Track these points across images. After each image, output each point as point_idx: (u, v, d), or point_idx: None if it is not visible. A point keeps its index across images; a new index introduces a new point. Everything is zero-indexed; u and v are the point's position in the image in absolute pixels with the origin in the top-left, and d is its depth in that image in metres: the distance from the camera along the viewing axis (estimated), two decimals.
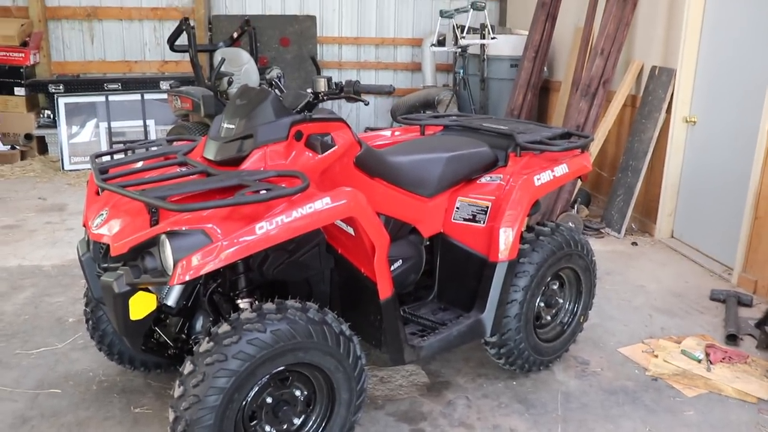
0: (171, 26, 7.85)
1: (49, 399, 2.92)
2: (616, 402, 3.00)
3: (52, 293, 4.03)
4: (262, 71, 7.17)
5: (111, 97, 7.45)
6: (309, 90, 2.55)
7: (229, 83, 6.50)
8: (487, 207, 2.91)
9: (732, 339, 3.59)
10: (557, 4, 6.39)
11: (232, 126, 2.42)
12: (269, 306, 2.17)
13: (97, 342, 2.95)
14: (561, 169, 3.03)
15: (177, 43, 7.01)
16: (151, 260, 2.09)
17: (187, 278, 1.98)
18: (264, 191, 2.08)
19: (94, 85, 7.53)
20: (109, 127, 7.44)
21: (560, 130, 3.38)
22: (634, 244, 5.20)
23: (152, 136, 7.59)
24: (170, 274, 2.01)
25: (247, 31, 7.33)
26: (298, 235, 2.17)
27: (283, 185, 2.15)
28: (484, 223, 2.90)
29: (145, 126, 7.54)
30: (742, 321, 3.79)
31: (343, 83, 2.54)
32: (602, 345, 3.52)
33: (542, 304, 3.12)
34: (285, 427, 2.30)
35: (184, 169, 2.42)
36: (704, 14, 4.91)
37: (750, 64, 4.44)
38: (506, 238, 2.80)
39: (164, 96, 7.58)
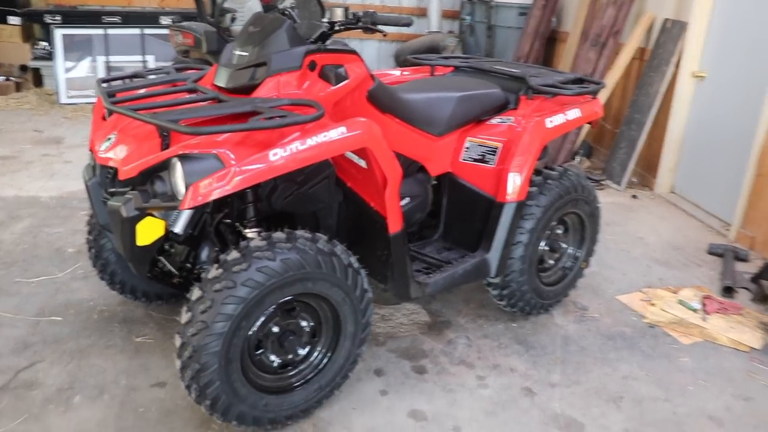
0: None
1: (50, 326, 2.93)
2: (613, 347, 3.04)
3: (50, 224, 4.01)
4: (266, 9, 7.02)
5: (110, 31, 7.30)
6: (325, 20, 2.49)
7: (232, 20, 6.37)
8: (497, 148, 2.89)
9: (728, 291, 3.63)
10: None
11: (245, 53, 2.38)
12: (279, 235, 2.16)
13: (99, 271, 2.95)
14: (573, 113, 3.00)
15: None
16: (161, 184, 2.06)
17: (198, 202, 1.96)
18: (278, 118, 2.05)
19: (93, 18, 7.37)
20: (108, 62, 7.31)
21: (572, 75, 3.33)
22: (634, 197, 5.20)
23: None
24: (180, 198, 1.99)
25: None
26: (312, 163, 2.14)
27: (298, 113, 2.11)
28: (493, 163, 2.89)
29: (144, 61, 7.41)
30: (738, 275, 3.82)
31: (361, 14, 2.48)
32: (601, 292, 3.55)
33: (546, 248, 3.13)
34: (290, 357, 2.32)
35: (194, 95, 2.38)
36: None
37: (765, 21, 4.37)
38: (516, 179, 2.79)
39: (164, 31, 7.45)
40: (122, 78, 2.84)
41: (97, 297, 3.18)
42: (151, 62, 7.49)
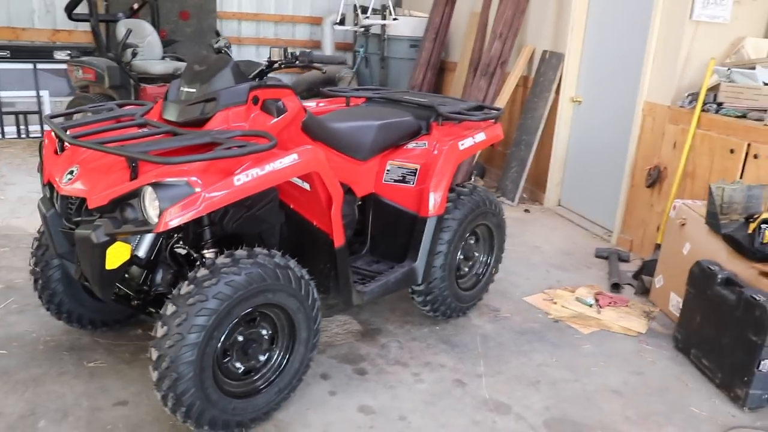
0: None
1: None
2: (526, 340, 3.45)
3: None
4: (165, 44, 7.14)
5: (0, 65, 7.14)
6: (265, 60, 2.77)
7: (134, 55, 6.45)
8: (416, 169, 3.25)
9: (615, 287, 4.17)
10: None
11: (193, 90, 2.60)
12: (241, 252, 2.40)
13: (45, 302, 3.03)
14: (480, 136, 3.42)
15: (75, 11, 6.86)
16: (132, 211, 2.25)
17: (172, 225, 2.17)
18: (238, 147, 2.30)
19: None
20: None
21: (474, 102, 3.77)
22: (527, 211, 5.75)
23: (47, 108, 7.38)
24: (153, 222, 2.19)
25: (149, 3, 7.27)
26: (269, 187, 2.40)
27: (254, 143, 2.37)
28: (413, 183, 3.24)
29: (38, 96, 7.29)
30: (622, 273, 4.38)
31: (297, 53, 2.78)
32: (509, 295, 3.98)
33: (461, 257, 3.51)
34: (252, 363, 2.55)
35: (146, 129, 2.57)
36: (589, 4, 5.48)
37: (628, 50, 5.04)
38: (436, 196, 3.16)
39: (58, 66, 7.37)
40: (68, 114, 2.97)
41: (39, 328, 3.24)
42: (46, 97, 7.39)
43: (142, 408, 2.67)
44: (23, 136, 7.31)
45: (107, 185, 2.30)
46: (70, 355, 3.04)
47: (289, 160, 2.41)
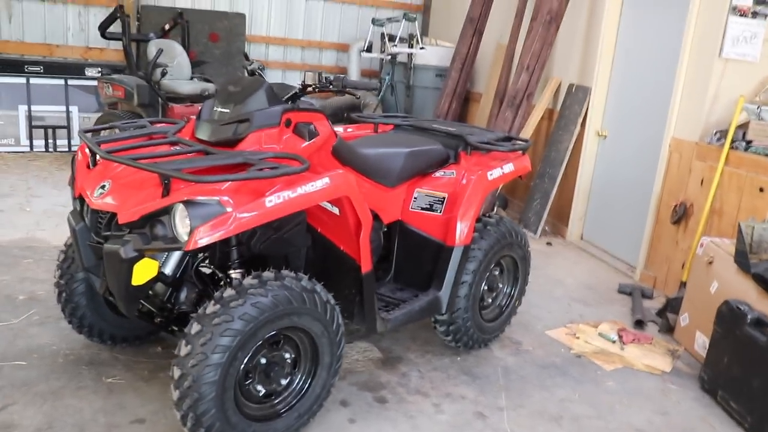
0: (96, 12, 7.77)
1: (15, 371, 2.97)
2: (548, 375, 3.40)
3: None
4: (194, 65, 7.24)
5: (32, 80, 7.27)
6: (299, 83, 2.79)
7: (163, 74, 6.54)
8: (444, 198, 3.24)
9: (639, 324, 4.11)
10: (484, 20, 6.86)
11: (227, 110, 2.62)
12: (268, 274, 2.39)
13: (68, 315, 3.03)
14: (508, 167, 3.41)
15: (109, 30, 6.98)
16: (162, 228, 2.25)
17: (201, 244, 2.17)
18: (270, 169, 2.30)
19: (14, 66, 7.30)
20: (29, 110, 7.25)
21: (501, 134, 3.77)
22: (549, 244, 5.71)
23: (75, 123, 7.47)
24: (182, 240, 2.19)
25: (180, 24, 7.38)
26: (299, 209, 2.40)
27: (286, 165, 2.37)
28: (440, 212, 3.23)
29: (68, 112, 7.40)
30: (645, 310, 4.31)
31: (332, 77, 2.79)
32: (531, 328, 3.93)
33: (486, 287, 3.48)
34: (273, 386, 2.52)
35: (178, 147, 2.59)
36: (617, 39, 5.49)
37: (655, 86, 5.02)
38: (463, 226, 3.14)
39: (88, 83, 7.48)
40: (100, 129, 3.00)
41: (59, 341, 3.24)
42: (75, 112, 7.50)
43: (160, 427, 2.65)
44: (51, 150, 7.40)
45: (138, 201, 2.31)
46: (89, 369, 3.03)
47: (321, 183, 2.41)
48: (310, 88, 2.80)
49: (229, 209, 2.21)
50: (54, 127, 7.42)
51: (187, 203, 2.19)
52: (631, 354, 3.71)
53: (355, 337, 3.47)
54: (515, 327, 3.87)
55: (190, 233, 2.16)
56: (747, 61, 4.43)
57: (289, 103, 2.76)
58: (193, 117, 2.73)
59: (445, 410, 2.98)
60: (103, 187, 2.46)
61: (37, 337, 3.28)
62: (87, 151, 2.70)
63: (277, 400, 2.55)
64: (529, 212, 5.93)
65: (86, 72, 7.54)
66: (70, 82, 7.48)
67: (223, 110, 2.64)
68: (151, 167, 2.25)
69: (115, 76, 6.66)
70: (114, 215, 2.40)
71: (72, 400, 2.79)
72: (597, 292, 4.67)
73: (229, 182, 2.24)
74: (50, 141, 7.41)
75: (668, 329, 4.05)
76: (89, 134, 2.74)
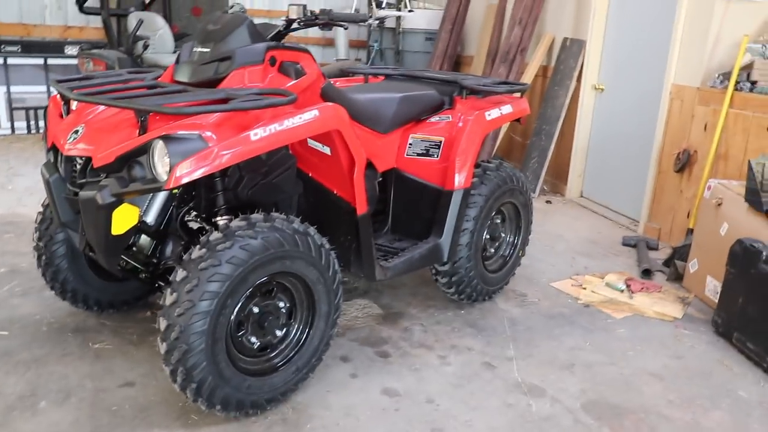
0: None
1: None
2: (556, 324, 3.25)
3: None
4: (176, 38, 7.03)
5: (10, 60, 7.04)
6: (283, 18, 2.61)
7: (145, 47, 6.36)
8: (440, 142, 3.08)
9: (647, 273, 3.97)
10: None
11: (207, 49, 2.45)
12: (257, 216, 2.23)
13: (49, 280, 2.87)
14: (506, 108, 3.25)
15: (87, 5, 6.77)
16: (140, 169, 2.08)
17: (182, 182, 2.00)
18: (254, 101, 2.13)
19: None
20: (8, 92, 7.04)
21: (497, 79, 3.60)
22: (548, 202, 5.56)
23: None
24: (162, 179, 2.03)
25: None
26: (287, 143, 2.23)
27: (273, 98, 2.20)
28: (437, 156, 3.07)
29: (48, 92, 7.18)
30: (652, 260, 4.17)
31: (317, 11, 2.62)
32: (535, 281, 3.78)
33: (488, 236, 3.33)
34: (268, 338, 2.37)
35: (158, 90, 2.41)
36: None
37: (653, 33, 4.85)
38: (462, 168, 2.98)
39: (68, 61, 7.26)
40: (76, 79, 2.81)
41: (43, 311, 3.08)
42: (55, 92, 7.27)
43: (150, 389, 2.50)
44: (33, 131, 7.20)
45: (114, 142, 2.14)
46: (75, 336, 2.87)
47: (309, 115, 2.24)
48: (295, 24, 2.63)
49: (211, 144, 2.04)
50: (35, 108, 7.20)
51: (166, 139, 2.02)
52: (641, 302, 3.56)
53: (354, 294, 3.35)
54: (519, 280, 3.72)
55: (170, 171, 1.99)
56: (750, 0, 4.26)
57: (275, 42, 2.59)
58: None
59: (451, 362, 2.83)
60: (76, 132, 2.29)
61: (20, 307, 3.12)
62: (59, 99, 2.53)
63: (273, 354, 2.39)
64: (526, 171, 5.77)
65: (66, 50, 7.32)
66: (50, 61, 7.26)
67: (203, 50, 2.47)
68: (127, 103, 2.08)
69: (95, 50, 6.44)
70: (89, 161, 2.23)
71: (57, 367, 2.63)
72: (600, 245, 4.52)
73: (212, 116, 2.08)
74: (32, 122, 7.20)
75: (677, 277, 3.91)
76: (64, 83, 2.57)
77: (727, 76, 4.19)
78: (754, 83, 4.05)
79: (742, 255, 3.12)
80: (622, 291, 3.69)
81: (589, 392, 2.67)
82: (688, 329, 3.29)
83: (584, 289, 3.70)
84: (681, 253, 3.99)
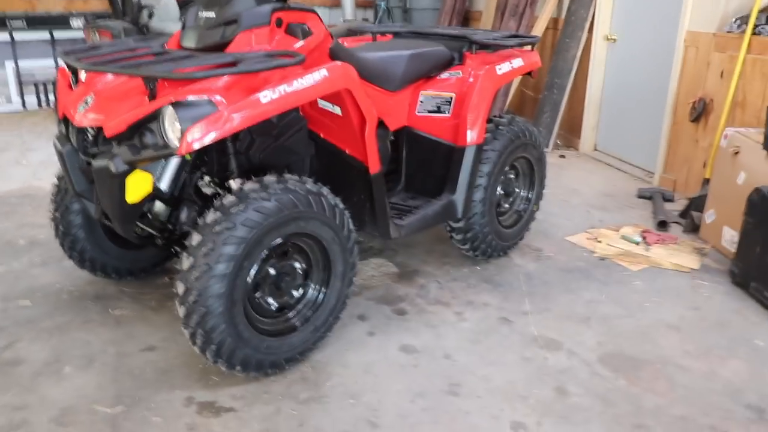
0: None
1: (19, 310, 2.86)
2: (573, 278, 3.25)
3: None
4: (180, 6, 6.96)
5: (16, 35, 7.02)
6: None
7: (150, 16, 6.30)
8: (451, 98, 3.04)
9: (663, 225, 3.94)
10: None
11: (212, 13, 2.43)
12: (270, 178, 2.23)
13: (67, 249, 2.90)
14: (517, 62, 3.20)
15: None
16: (151, 136, 2.08)
17: (194, 147, 2.00)
18: (263, 62, 2.11)
19: None
20: (17, 67, 7.04)
21: (508, 33, 3.54)
22: (562, 156, 5.51)
23: None
24: (174, 145, 2.03)
25: None
26: (298, 105, 2.22)
27: (282, 59, 2.18)
28: (449, 113, 3.04)
29: (56, 65, 7.16)
30: (668, 212, 4.14)
31: None
32: (551, 235, 3.77)
33: (502, 192, 3.31)
34: (285, 299, 2.39)
35: (166, 56, 2.40)
36: None
37: None
38: (475, 123, 2.95)
39: (75, 34, 7.24)
40: (83, 50, 2.80)
41: (63, 280, 3.12)
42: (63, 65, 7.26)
43: (171, 353, 2.54)
44: (44, 106, 7.21)
45: (124, 111, 2.14)
46: (95, 304, 2.91)
47: (319, 75, 2.22)
48: None
49: (220, 108, 2.03)
50: (45, 83, 7.21)
51: (176, 105, 2.01)
52: (657, 254, 3.55)
53: (369, 254, 3.37)
54: (534, 235, 3.71)
55: (181, 136, 1.99)
56: None
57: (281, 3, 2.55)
58: None
59: (468, 318, 2.85)
60: (86, 102, 2.29)
61: (40, 277, 3.16)
62: (67, 70, 2.53)
63: (290, 314, 2.42)
64: (539, 126, 5.70)
65: (71, 22, 7.28)
66: (56, 34, 7.23)
67: (208, 15, 2.45)
68: (135, 70, 2.07)
69: (100, 22, 6.40)
70: (100, 130, 2.24)
71: (79, 334, 2.68)
72: (615, 198, 4.49)
73: (221, 80, 2.06)
74: (42, 97, 7.21)
75: (693, 228, 3.88)
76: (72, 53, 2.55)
77: (744, 19, 4.09)
78: None
79: (761, 203, 3.09)
80: (638, 243, 3.67)
81: (605, 344, 2.68)
82: (704, 280, 3.28)
83: (600, 242, 3.69)
84: (697, 203, 3.95)
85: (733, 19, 4.15)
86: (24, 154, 5.37)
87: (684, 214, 4.07)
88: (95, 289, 3.04)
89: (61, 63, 2.46)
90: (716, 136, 4.08)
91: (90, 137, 2.31)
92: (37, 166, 4.99)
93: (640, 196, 4.51)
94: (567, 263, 3.42)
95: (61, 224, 2.85)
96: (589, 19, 5.41)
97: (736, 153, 3.51)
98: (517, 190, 3.44)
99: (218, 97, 2.05)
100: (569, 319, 2.87)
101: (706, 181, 4.07)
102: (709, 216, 3.74)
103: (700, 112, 4.37)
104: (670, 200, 4.44)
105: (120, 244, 2.95)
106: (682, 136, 4.60)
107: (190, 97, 2.02)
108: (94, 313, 2.84)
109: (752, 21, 3.97)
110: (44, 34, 7.18)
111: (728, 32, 4.16)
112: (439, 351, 2.59)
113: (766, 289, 3.02)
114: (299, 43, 2.48)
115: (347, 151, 2.58)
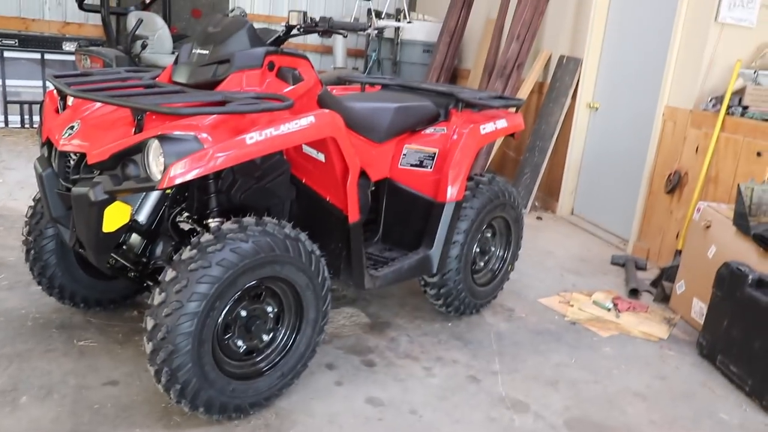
0: None
1: None
2: (542, 340, 3.26)
3: None
4: (175, 39, 7.04)
5: (6, 54, 7.02)
6: (282, 24, 2.63)
7: (143, 47, 6.37)
8: (435, 153, 3.09)
9: (634, 293, 3.99)
10: None
11: (206, 51, 2.46)
12: (249, 219, 2.23)
13: (37, 275, 2.85)
14: (501, 123, 3.27)
15: (86, 2, 6.77)
16: (134, 168, 2.08)
17: (176, 182, 2.00)
18: (252, 104, 2.14)
19: None
20: (3, 85, 7.02)
21: (494, 93, 3.62)
22: (539, 218, 5.58)
23: None
24: (156, 179, 2.03)
25: None
26: (283, 148, 2.24)
27: (270, 102, 2.21)
28: (431, 168, 3.08)
29: (44, 86, 7.16)
30: (639, 280, 4.19)
31: (317, 18, 2.63)
32: (523, 296, 3.80)
33: (478, 250, 3.34)
34: (255, 342, 2.36)
35: (156, 89, 2.42)
36: (609, 8, 5.35)
37: (648, 54, 4.90)
38: (455, 180, 2.99)
39: (66, 57, 7.25)
40: (74, 75, 2.81)
41: (28, 305, 3.06)
42: (51, 87, 7.26)
43: (134, 389, 2.49)
44: (27, 126, 7.17)
45: (109, 140, 2.14)
46: (60, 333, 2.86)
47: (306, 121, 2.25)
48: (295, 30, 2.64)
49: (206, 146, 2.04)
50: (30, 103, 7.18)
51: (162, 139, 2.02)
52: (627, 321, 3.58)
53: (342, 303, 3.35)
54: (507, 295, 3.73)
55: (164, 170, 1.99)
56: (743, 26, 4.31)
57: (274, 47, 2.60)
58: None
59: (436, 374, 2.83)
60: (71, 128, 2.29)
61: (5, 301, 3.10)
62: (56, 94, 2.54)
63: (259, 358, 2.39)
64: (518, 186, 5.79)
65: (64, 46, 7.30)
66: (47, 56, 7.24)
67: (202, 52, 2.48)
68: (124, 101, 2.08)
69: (93, 48, 6.45)
70: (83, 157, 2.23)
71: (40, 363, 2.62)
72: (589, 263, 4.55)
73: (209, 118, 2.08)
74: (26, 117, 7.17)
75: (663, 298, 3.93)
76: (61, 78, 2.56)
77: (719, 99, 4.24)
78: (745, 108, 4.10)
79: (729, 278, 3.14)
80: (609, 309, 3.70)
81: (572, 409, 2.68)
82: (672, 350, 3.31)
83: (572, 306, 3.72)
84: (669, 274, 4.01)
85: (709, 98, 4.29)
86: (1, 172, 5.31)
87: (655, 283, 4.12)
88: (61, 317, 2.98)
89: (50, 86, 2.45)
90: (689, 208, 4.18)
91: (72, 163, 2.30)
92: (13, 186, 4.94)
93: (614, 263, 4.57)
94: (538, 325, 3.43)
95: (33, 248, 2.81)
96: (573, 85, 5.55)
97: (708, 227, 3.59)
98: (493, 249, 3.48)
99: (204, 135, 2.07)
100: (537, 381, 2.87)
101: (678, 252, 4.15)
102: (679, 287, 3.79)
103: (675, 184, 4.48)
104: (642, 269, 4.50)
105: (91, 273, 2.91)
106: (657, 206, 4.69)
107: (177, 133, 2.03)
108: (58, 342, 2.78)
109: (726, 101, 4.12)
110: (35, 54, 7.18)
111: (704, 110, 4.29)
112: (406, 406, 2.57)
113: (732, 363, 3.05)
114: (289, 88, 2.52)
115: (328, 199, 2.60)
